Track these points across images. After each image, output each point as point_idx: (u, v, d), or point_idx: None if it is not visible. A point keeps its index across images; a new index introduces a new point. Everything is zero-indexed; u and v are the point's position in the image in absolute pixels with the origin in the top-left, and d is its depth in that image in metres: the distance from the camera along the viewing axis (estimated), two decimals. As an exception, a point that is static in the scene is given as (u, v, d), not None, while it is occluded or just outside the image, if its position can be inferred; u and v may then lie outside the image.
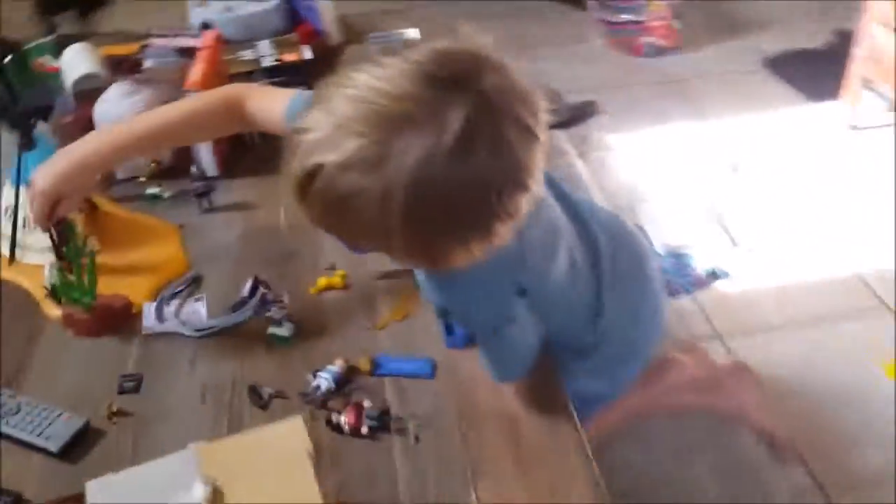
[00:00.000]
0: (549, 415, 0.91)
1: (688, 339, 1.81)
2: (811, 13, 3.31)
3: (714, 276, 2.07)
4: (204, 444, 0.79)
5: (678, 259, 2.08)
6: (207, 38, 1.44)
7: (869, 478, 1.58)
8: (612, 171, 2.52)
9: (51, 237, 1.04)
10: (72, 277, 1.00)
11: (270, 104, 0.96)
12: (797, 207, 2.29)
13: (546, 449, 0.87)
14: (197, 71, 1.30)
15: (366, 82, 0.63)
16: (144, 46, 1.61)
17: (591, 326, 1.02)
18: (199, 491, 0.75)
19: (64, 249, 0.99)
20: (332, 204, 0.63)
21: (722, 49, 3.18)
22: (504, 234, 0.68)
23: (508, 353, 0.91)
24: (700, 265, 2.09)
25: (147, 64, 1.54)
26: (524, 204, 0.67)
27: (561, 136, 2.62)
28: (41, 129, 1.11)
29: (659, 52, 3.12)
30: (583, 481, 0.83)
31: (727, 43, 3.21)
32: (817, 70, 2.87)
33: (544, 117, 0.67)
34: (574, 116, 2.69)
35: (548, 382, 0.95)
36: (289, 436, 0.79)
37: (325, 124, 0.63)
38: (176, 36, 1.65)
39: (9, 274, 1.11)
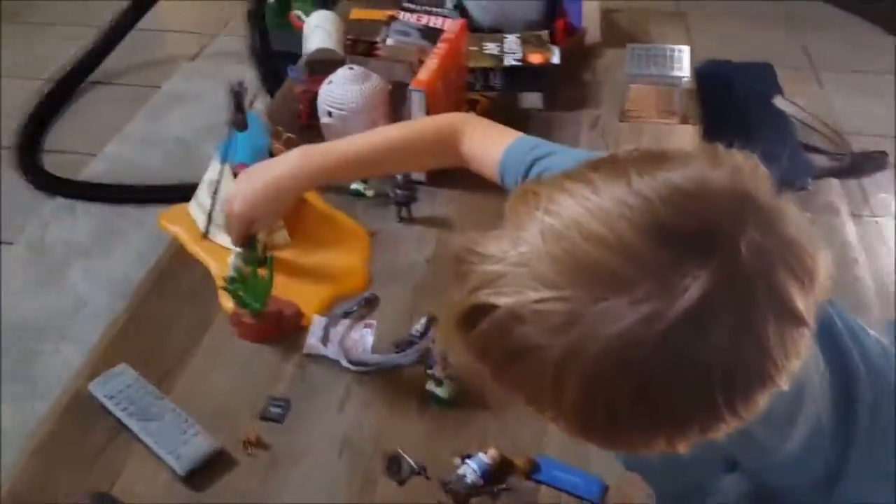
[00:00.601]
0: None
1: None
2: None
3: None
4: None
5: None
6: (453, 27, 1.32)
7: None
8: (890, 243, 2.10)
9: None
10: (247, 279, 0.95)
11: (487, 147, 0.87)
12: None
13: None
14: (428, 68, 1.18)
15: (572, 213, 0.45)
16: (392, 17, 1.53)
17: (826, 491, 0.79)
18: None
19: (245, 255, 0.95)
20: (496, 353, 0.48)
21: None
22: (726, 431, 0.48)
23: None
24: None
25: (388, 41, 1.47)
26: (764, 401, 0.47)
27: (834, 186, 2.21)
28: (256, 110, 1.07)
29: None
30: None
31: None
32: None
33: (821, 289, 0.47)
34: (855, 167, 2.27)
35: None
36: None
37: (509, 257, 0.46)
38: (427, 13, 1.56)
39: (198, 251, 1.09)
